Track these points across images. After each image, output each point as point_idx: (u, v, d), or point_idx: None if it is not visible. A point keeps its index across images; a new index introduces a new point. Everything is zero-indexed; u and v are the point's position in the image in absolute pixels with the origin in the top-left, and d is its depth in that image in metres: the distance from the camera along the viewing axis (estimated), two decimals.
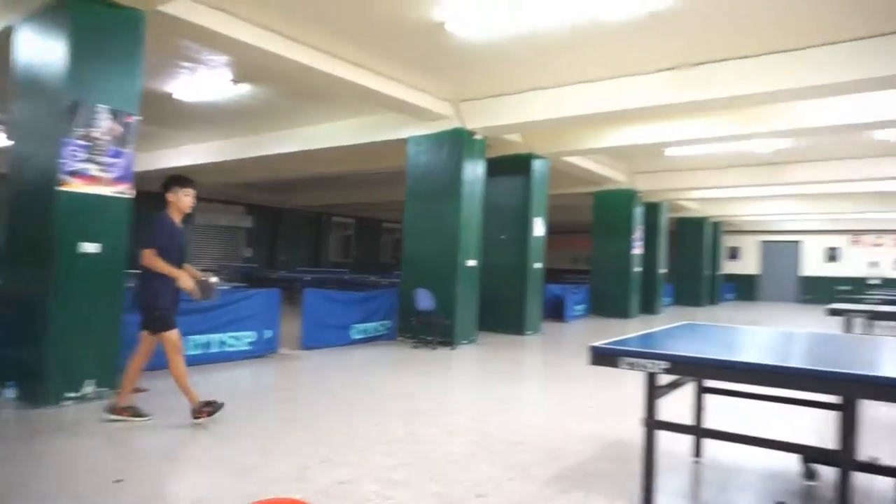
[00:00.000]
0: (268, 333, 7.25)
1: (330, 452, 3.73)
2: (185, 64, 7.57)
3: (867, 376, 2.33)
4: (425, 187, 9.11)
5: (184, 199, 4.34)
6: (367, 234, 25.49)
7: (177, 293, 4.26)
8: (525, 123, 8.57)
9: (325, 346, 7.93)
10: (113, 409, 4.22)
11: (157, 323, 4.16)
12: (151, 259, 4.08)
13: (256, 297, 7.31)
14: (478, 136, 8.96)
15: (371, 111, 9.25)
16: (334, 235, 24.74)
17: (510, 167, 10.46)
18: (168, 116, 10.29)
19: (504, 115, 8.42)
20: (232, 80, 8.15)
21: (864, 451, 3.83)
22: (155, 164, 13.36)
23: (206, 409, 4.21)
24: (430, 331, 8.60)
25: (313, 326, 7.92)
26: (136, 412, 4.24)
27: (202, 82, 8.28)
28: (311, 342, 7.83)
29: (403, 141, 9.34)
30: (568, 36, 6.25)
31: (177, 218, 4.34)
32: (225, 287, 8.73)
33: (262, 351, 7.15)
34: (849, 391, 2.38)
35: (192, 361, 6.40)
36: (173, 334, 4.18)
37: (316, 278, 15.51)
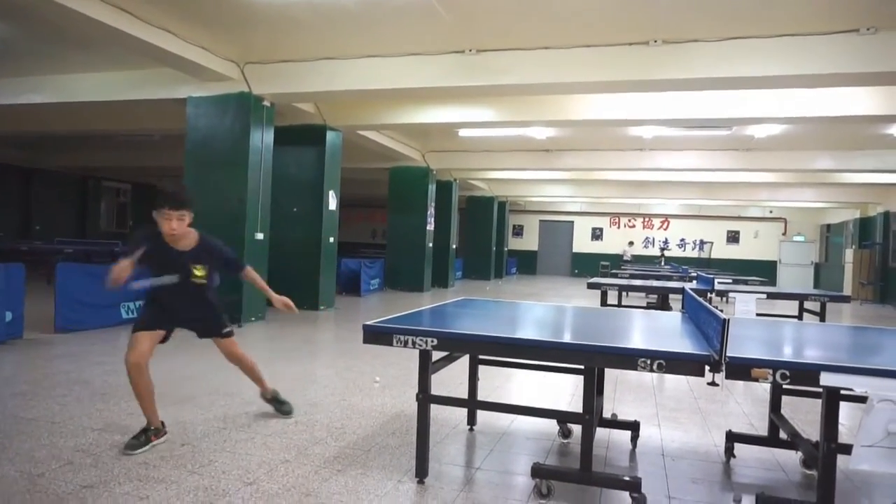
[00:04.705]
0: (8, 316, 6.20)
1: (74, 453, 3.27)
2: None
3: (598, 347, 2.62)
4: (207, 154, 8.39)
5: (162, 225, 3.40)
6: (148, 201, 22.95)
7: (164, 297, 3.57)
8: (316, 93, 8.31)
9: (88, 327, 7.03)
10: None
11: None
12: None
13: None
14: (266, 103, 8.45)
15: (144, 65, 8.20)
16: (106, 202, 21.95)
17: (302, 137, 10.11)
18: None
19: (294, 83, 8.04)
20: None
21: (612, 409, 4.41)
22: None
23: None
24: None
25: (69, 305, 6.94)
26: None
27: None
28: (67, 324, 6.86)
29: (182, 101, 8.48)
30: (356, 6, 6.14)
31: (172, 242, 3.49)
32: None
33: (1, 337, 6.10)
34: (587, 360, 2.65)
35: None
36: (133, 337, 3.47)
37: (80, 251, 13.63)
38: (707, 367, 2.38)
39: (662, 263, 20.77)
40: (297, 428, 3.86)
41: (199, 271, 3.56)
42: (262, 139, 8.48)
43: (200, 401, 4.41)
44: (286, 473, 3.11)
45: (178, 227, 3.40)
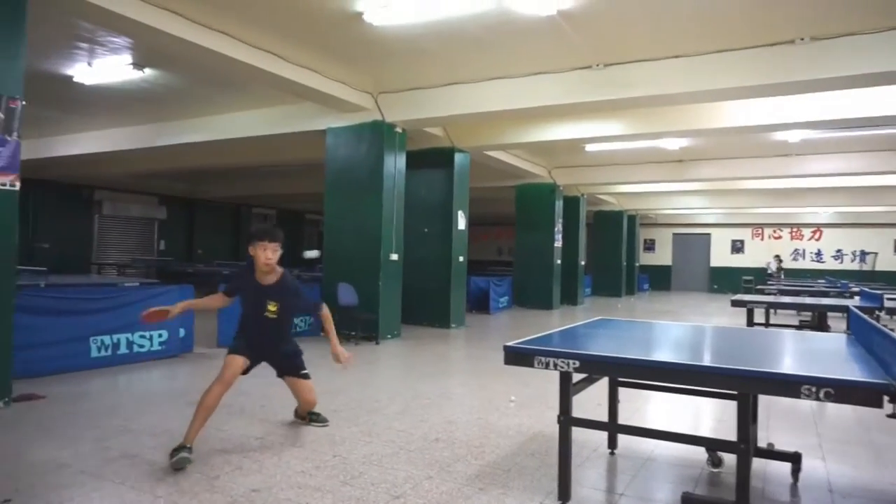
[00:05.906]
0: (181, 332, 6.96)
1: (243, 458, 3.60)
2: (82, 45, 7.05)
3: (757, 372, 2.46)
4: (345, 180, 8.96)
5: (259, 255, 3.84)
6: (290, 225, 24.83)
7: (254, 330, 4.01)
8: (444, 117, 8.59)
9: None
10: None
11: None
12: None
13: (168, 293, 6.98)
14: (398, 129, 8.87)
15: (288, 101, 8.96)
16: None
17: (432, 160, 10.46)
18: (71, 101, 9.63)
19: (424, 109, 8.39)
20: (132, 65, 7.66)
21: (767, 437, 4.10)
22: (57, 150, 12.56)
23: (174, 453, 3.46)
24: (353, 326, 8.47)
25: (230, 323, 7.60)
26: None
27: (101, 65, 7.74)
28: (227, 340, 7.46)
29: (322, 132, 9.13)
30: (481, 31, 6.31)
31: (260, 275, 3.91)
32: (135, 284, 8.34)
33: (176, 350, 6.88)
34: (742, 386, 2.50)
35: (100, 364, 6.08)
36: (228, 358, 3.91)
37: (235, 272, 14.95)
38: (886, 398, 2.16)
39: (782, 276, 19.10)
40: (439, 445, 3.97)
41: (271, 307, 3.91)
42: (395, 164, 8.89)
43: (346, 414, 4.67)
44: (430, 489, 3.21)
45: (273, 258, 3.84)
